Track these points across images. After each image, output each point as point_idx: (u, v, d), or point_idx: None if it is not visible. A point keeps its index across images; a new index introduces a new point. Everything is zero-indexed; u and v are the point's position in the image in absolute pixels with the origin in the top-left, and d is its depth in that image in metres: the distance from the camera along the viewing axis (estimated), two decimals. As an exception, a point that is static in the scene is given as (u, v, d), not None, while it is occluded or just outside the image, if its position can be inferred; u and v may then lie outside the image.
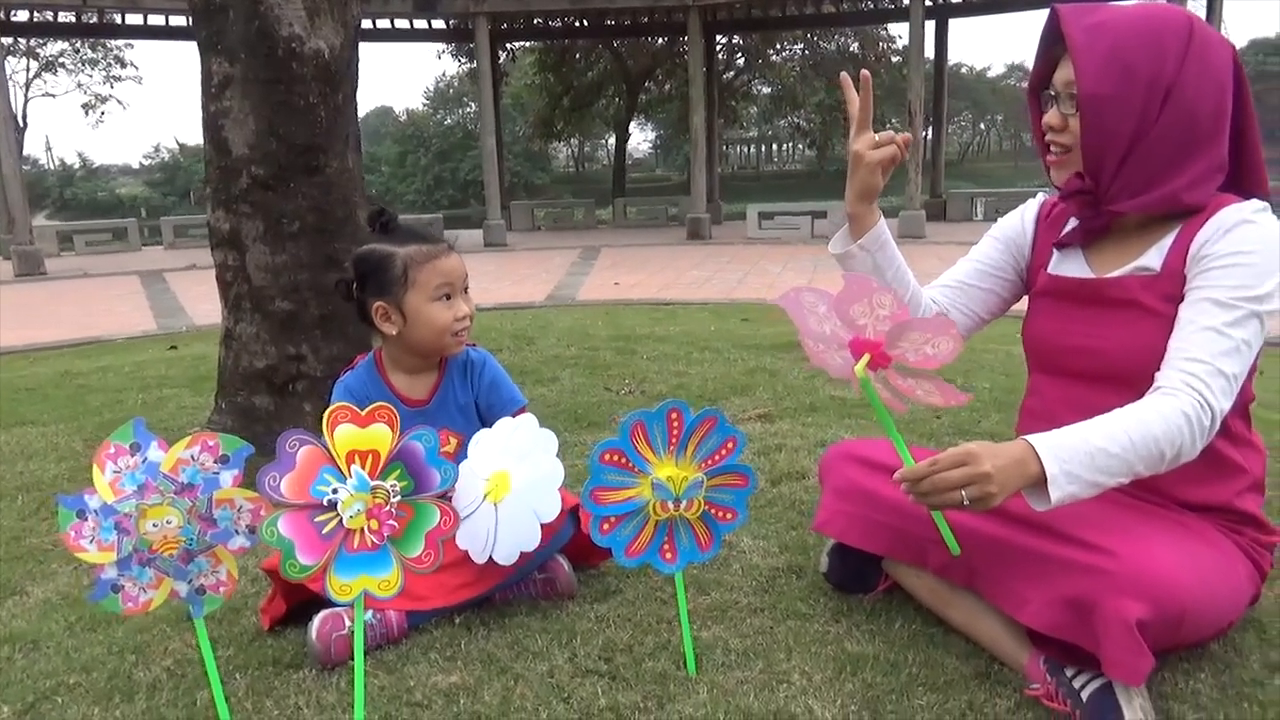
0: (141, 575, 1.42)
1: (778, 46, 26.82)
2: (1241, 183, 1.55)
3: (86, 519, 1.39)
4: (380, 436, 1.44)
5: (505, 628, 1.81)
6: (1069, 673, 1.47)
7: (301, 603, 1.81)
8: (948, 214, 16.13)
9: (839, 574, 1.90)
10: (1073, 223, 1.68)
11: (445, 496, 1.52)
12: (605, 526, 1.54)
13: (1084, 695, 1.43)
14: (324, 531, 1.41)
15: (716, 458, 1.56)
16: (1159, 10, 1.51)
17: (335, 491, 1.41)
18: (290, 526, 1.40)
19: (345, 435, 1.42)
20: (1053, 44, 1.56)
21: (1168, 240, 1.52)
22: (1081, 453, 1.35)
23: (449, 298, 1.86)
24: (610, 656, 1.68)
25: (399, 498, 1.45)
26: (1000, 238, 1.80)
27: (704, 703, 1.52)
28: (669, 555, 1.59)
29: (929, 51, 15.83)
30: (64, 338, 6.81)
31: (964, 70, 53.42)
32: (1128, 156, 1.49)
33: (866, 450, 1.84)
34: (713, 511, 1.59)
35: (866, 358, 1.39)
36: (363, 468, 1.42)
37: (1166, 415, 1.38)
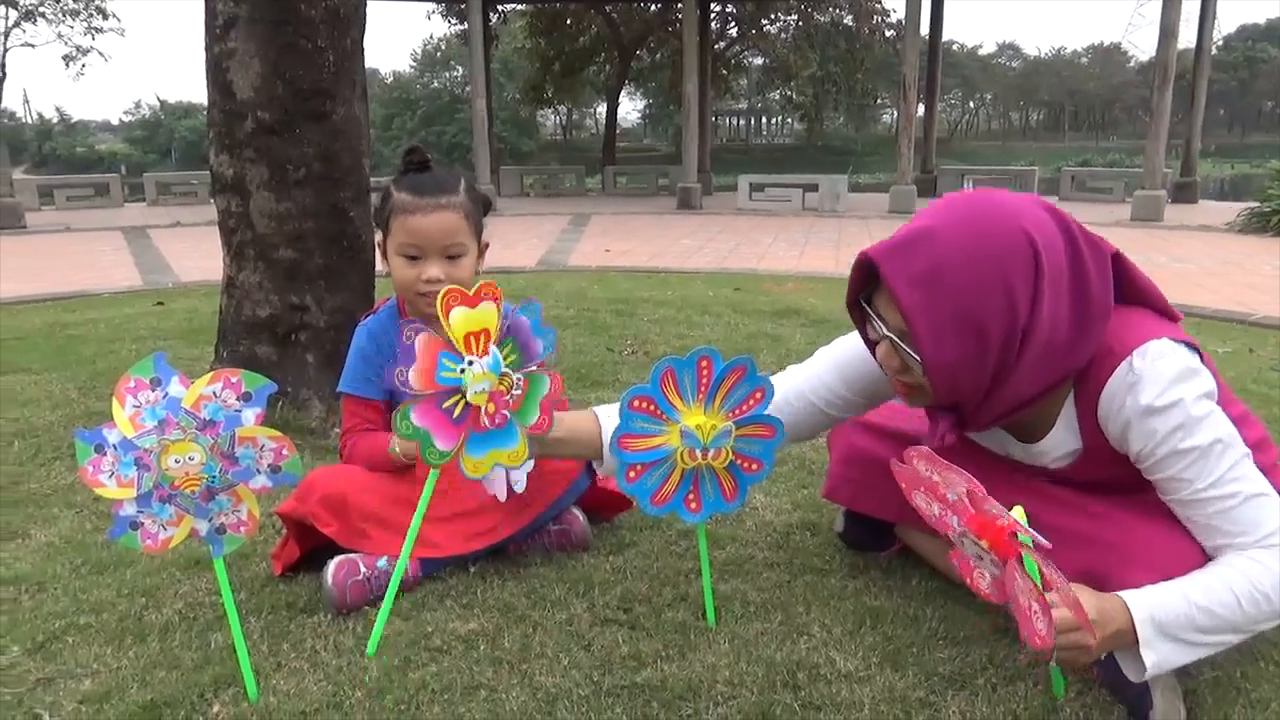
0: (161, 512, 1.39)
1: (772, 17, 26.55)
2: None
3: (105, 454, 1.35)
4: (488, 315, 1.45)
5: (521, 577, 1.79)
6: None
7: (313, 549, 1.80)
8: (938, 190, 16.11)
9: (854, 533, 1.89)
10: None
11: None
12: (631, 474, 1.53)
13: (1104, 651, 1.43)
14: (454, 416, 1.44)
15: (745, 407, 1.54)
16: (995, 238, 1.26)
17: (462, 371, 1.42)
18: (424, 417, 1.41)
19: (459, 318, 1.42)
20: (868, 270, 1.35)
21: (1069, 414, 1.41)
22: (1179, 613, 1.25)
23: (414, 258, 1.79)
24: (629, 607, 1.68)
25: (520, 376, 1.49)
26: (864, 369, 1.58)
27: (726, 652, 1.52)
28: (694, 505, 1.57)
29: (923, 28, 15.72)
30: (48, 291, 6.69)
31: (955, 47, 53.25)
32: (990, 395, 1.33)
33: (873, 418, 1.82)
34: (739, 462, 1.57)
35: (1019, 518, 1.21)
36: (476, 348, 1.43)
37: (1268, 565, 1.27)
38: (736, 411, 1.54)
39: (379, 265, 1.87)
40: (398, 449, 1.78)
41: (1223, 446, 1.29)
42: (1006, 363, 1.29)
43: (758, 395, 1.54)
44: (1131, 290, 1.40)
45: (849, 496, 1.81)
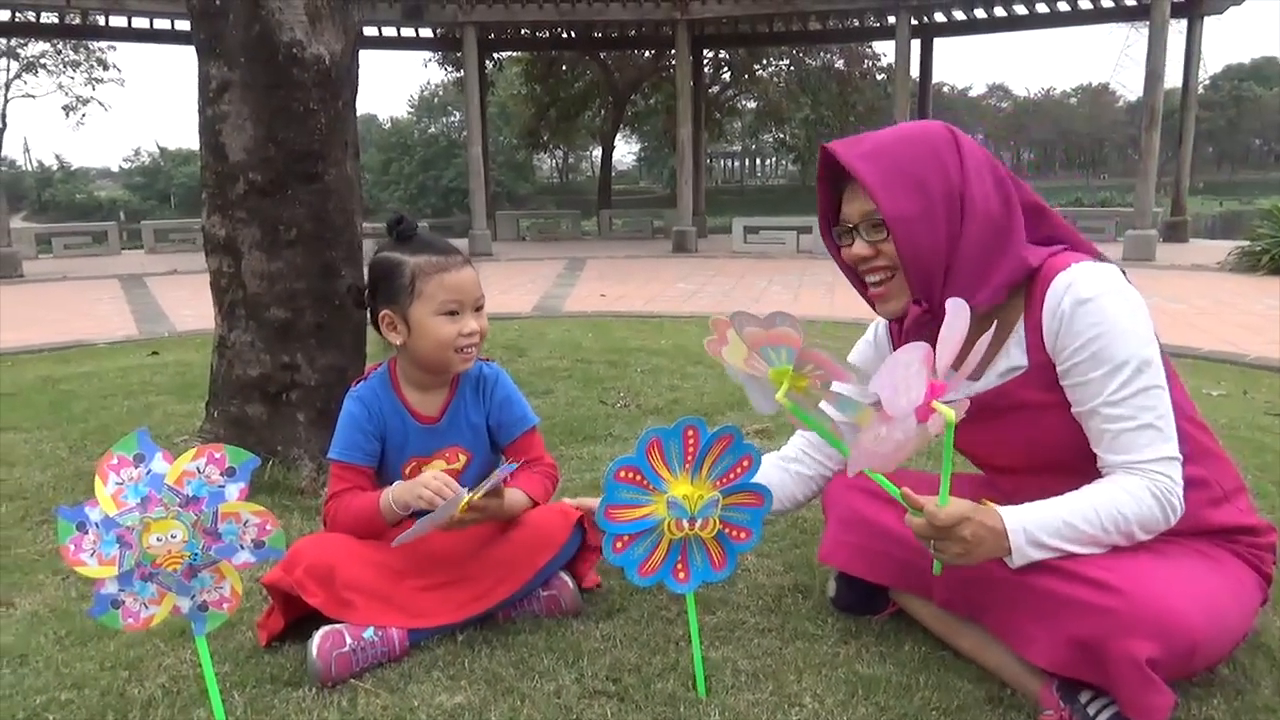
0: (143, 590, 1.38)
1: (764, 62, 26.95)
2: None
3: (87, 531, 1.35)
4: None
5: (510, 646, 1.77)
6: (1083, 699, 1.46)
7: (300, 618, 1.78)
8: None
9: (847, 600, 1.88)
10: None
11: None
12: (619, 545, 1.52)
13: (1099, 721, 1.42)
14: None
15: (732, 476, 1.53)
16: (919, 127, 1.56)
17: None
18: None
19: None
20: (833, 181, 1.60)
21: (1020, 330, 1.54)
22: (1049, 526, 1.43)
23: (455, 314, 1.80)
24: (618, 677, 1.65)
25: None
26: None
27: (716, 726, 1.50)
28: (682, 575, 1.56)
29: (914, 70, 15.95)
30: (43, 341, 6.69)
31: (945, 89, 53.96)
32: (950, 267, 1.50)
33: (870, 481, 1.81)
34: (727, 531, 1.57)
35: (939, 405, 1.31)
36: None
37: (1135, 494, 1.43)
38: (723, 480, 1.53)
39: (394, 338, 1.86)
40: (392, 496, 1.77)
41: (1136, 367, 1.43)
42: (953, 221, 1.49)
43: (745, 463, 1.54)
44: (1060, 234, 1.60)
45: (845, 560, 1.80)
